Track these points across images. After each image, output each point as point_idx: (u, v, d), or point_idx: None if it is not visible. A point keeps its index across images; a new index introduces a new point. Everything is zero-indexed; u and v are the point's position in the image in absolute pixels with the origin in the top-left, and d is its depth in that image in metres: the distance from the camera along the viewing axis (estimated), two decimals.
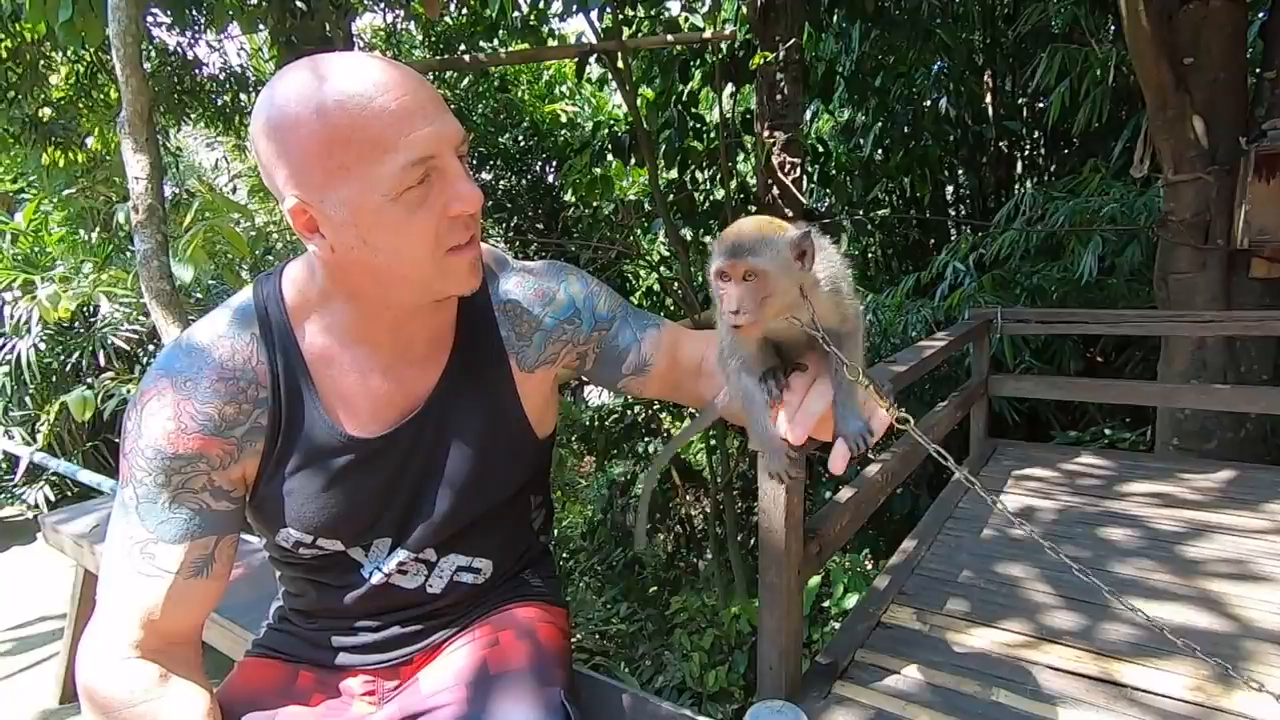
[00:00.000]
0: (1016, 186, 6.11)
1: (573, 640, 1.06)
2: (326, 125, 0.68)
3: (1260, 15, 3.40)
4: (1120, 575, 1.83)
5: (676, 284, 5.34)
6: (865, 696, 1.39)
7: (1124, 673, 1.44)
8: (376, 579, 0.91)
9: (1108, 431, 4.34)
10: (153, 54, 4.73)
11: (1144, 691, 1.38)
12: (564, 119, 6.91)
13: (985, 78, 5.96)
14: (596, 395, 7.03)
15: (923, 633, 1.62)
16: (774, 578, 1.27)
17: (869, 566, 4.44)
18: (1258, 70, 3.12)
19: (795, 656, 1.35)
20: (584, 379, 1.04)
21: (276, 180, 0.73)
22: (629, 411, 6.28)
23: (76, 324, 4.94)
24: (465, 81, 6.60)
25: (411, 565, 0.93)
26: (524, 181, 7.03)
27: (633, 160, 4.98)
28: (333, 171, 0.70)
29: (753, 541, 5.57)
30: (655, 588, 5.77)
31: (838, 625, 3.58)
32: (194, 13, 4.30)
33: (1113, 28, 4.86)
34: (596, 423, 6.27)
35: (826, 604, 3.77)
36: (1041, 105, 5.60)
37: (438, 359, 0.89)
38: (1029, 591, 1.75)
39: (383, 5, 5.32)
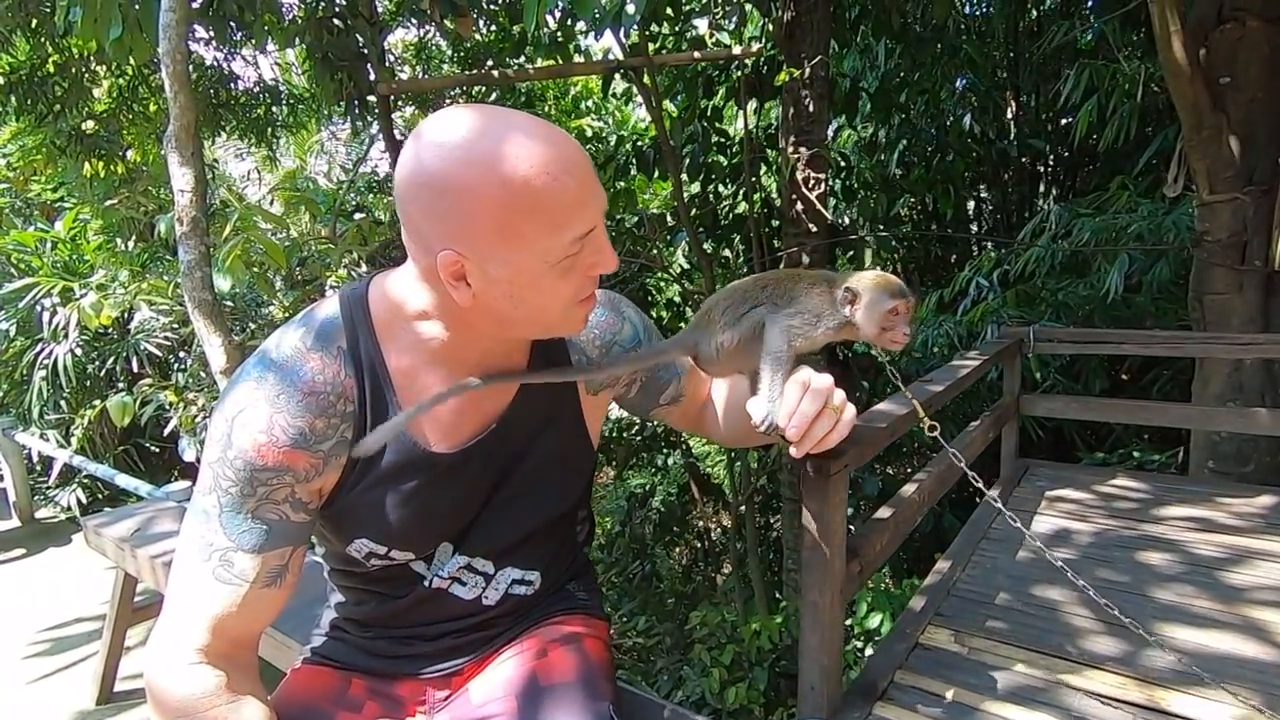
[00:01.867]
0: (1040, 203, 6.08)
1: None
2: (511, 197, 0.70)
3: None
4: (1161, 601, 1.80)
5: (698, 296, 5.35)
6: (906, 718, 1.38)
7: (1170, 701, 1.42)
8: (437, 585, 0.94)
9: (1136, 454, 4.28)
10: (190, 68, 4.84)
11: None
12: (589, 133, 6.99)
13: (1008, 94, 5.95)
14: (616, 408, 7.05)
15: (962, 655, 1.61)
16: (817, 597, 1.27)
17: (891, 585, 4.39)
18: None
19: (836, 677, 1.35)
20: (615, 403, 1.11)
21: (429, 230, 0.73)
22: (649, 424, 6.30)
23: (112, 330, 5.05)
24: (493, 97, 6.69)
25: (470, 577, 0.96)
26: None
27: (656, 174, 5.03)
28: (507, 238, 0.72)
29: (771, 556, 5.54)
30: (673, 601, 5.75)
31: (860, 644, 3.55)
32: (234, 29, 4.41)
33: (1137, 40, 4.83)
34: (617, 434, 6.29)
35: (849, 622, 3.74)
36: (1066, 122, 5.58)
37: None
38: (1069, 615, 1.74)
39: (415, 22, 5.41)
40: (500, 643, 1.01)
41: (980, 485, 1.18)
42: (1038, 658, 1.58)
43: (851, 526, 1.69)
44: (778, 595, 4.79)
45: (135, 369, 4.88)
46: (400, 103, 6.40)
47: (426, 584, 0.94)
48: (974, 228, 6.51)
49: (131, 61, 4.58)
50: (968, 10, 5.84)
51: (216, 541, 0.80)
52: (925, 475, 1.83)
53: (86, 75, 4.50)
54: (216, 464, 0.79)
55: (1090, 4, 5.36)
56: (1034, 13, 5.79)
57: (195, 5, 3.54)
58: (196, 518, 0.81)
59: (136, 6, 2.93)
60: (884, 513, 1.59)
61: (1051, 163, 6.29)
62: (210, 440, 0.81)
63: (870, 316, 0.93)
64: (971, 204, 6.49)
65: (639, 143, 5.05)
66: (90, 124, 4.82)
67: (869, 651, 3.35)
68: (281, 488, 0.80)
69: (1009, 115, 6.00)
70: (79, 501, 4.70)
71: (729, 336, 0.97)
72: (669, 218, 5.96)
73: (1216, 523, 2.23)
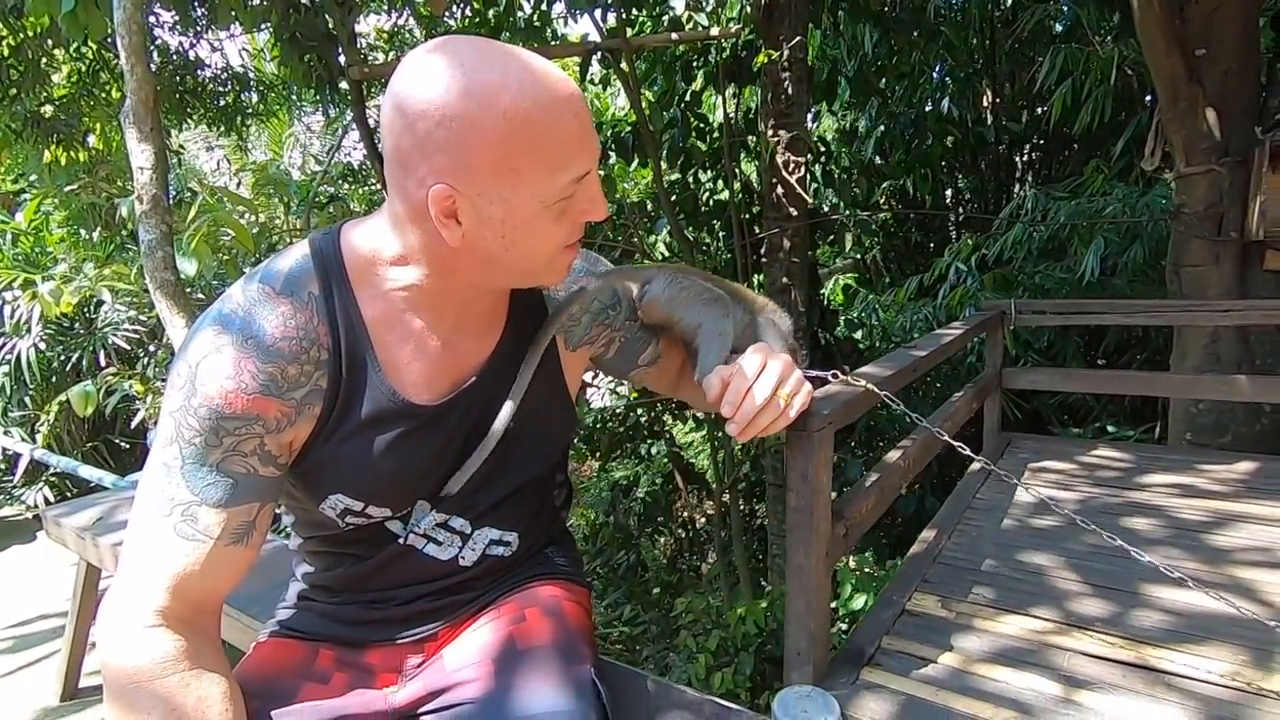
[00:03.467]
0: (1017, 188, 6.13)
1: None
2: (512, 132, 0.67)
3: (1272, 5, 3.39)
4: (1148, 564, 1.79)
5: None
6: (895, 683, 1.36)
7: (1159, 658, 1.41)
8: (414, 540, 0.90)
9: (1110, 429, 4.32)
10: (154, 54, 4.71)
11: (1182, 677, 1.35)
12: None
13: (985, 81, 5.98)
14: (599, 398, 7.00)
15: (949, 620, 1.58)
16: (803, 559, 1.24)
17: (875, 569, 4.40)
18: (1268, 55, 3.12)
19: (824, 642, 1.32)
20: (593, 370, 1.10)
21: (421, 163, 0.69)
22: (632, 414, 6.26)
23: (77, 324, 4.91)
24: None
25: (446, 535, 0.91)
26: None
27: (636, 160, 4.98)
28: (504, 174, 0.69)
29: (756, 544, 5.53)
30: (658, 590, 5.73)
31: (844, 626, 3.55)
32: (197, 10, 4.29)
33: (1111, 24, 4.88)
34: (600, 425, 6.24)
35: (833, 605, 3.72)
36: (1042, 109, 5.63)
37: (492, 332, 0.89)
38: (1056, 579, 1.72)
39: (387, 5, 5.31)
40: (476, 607, 0.97)
41: (965, 450, 1.15)
42: (1026, 621, 1.56)
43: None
44: (763, 582, 4.78)
45: (102, 362, 4.75)
46: (373, 89, 6.29)
47: (401, 542, 0.89)
48: (952, 216, 6.55)
49: (90, 45, 4.45)
50: None
51: (178, 496, 0.73)
52: (910, 442, 1.81)
53: (44, 58, 4.35)
54: (179, 413, 0.73)
55: None
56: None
57: None
58: (156, 471, 0.74)
59: None
60: (869, 478, 1.56)
61: (1028, 149, 6.35)
62: (171, 388, 0.74)
63: None
64: (950, 192, 6.53)
65: (617, 129, 5.00)
66: (49, 109, 4.67)
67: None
68: (250, 438, 0.74)
69: (986, 102, 6.04)
70: (46, 499, 4.56)
71: (688, 281, 1.01)
72: (649, 205, 5.92)
73: (1199, 488, 2.23)
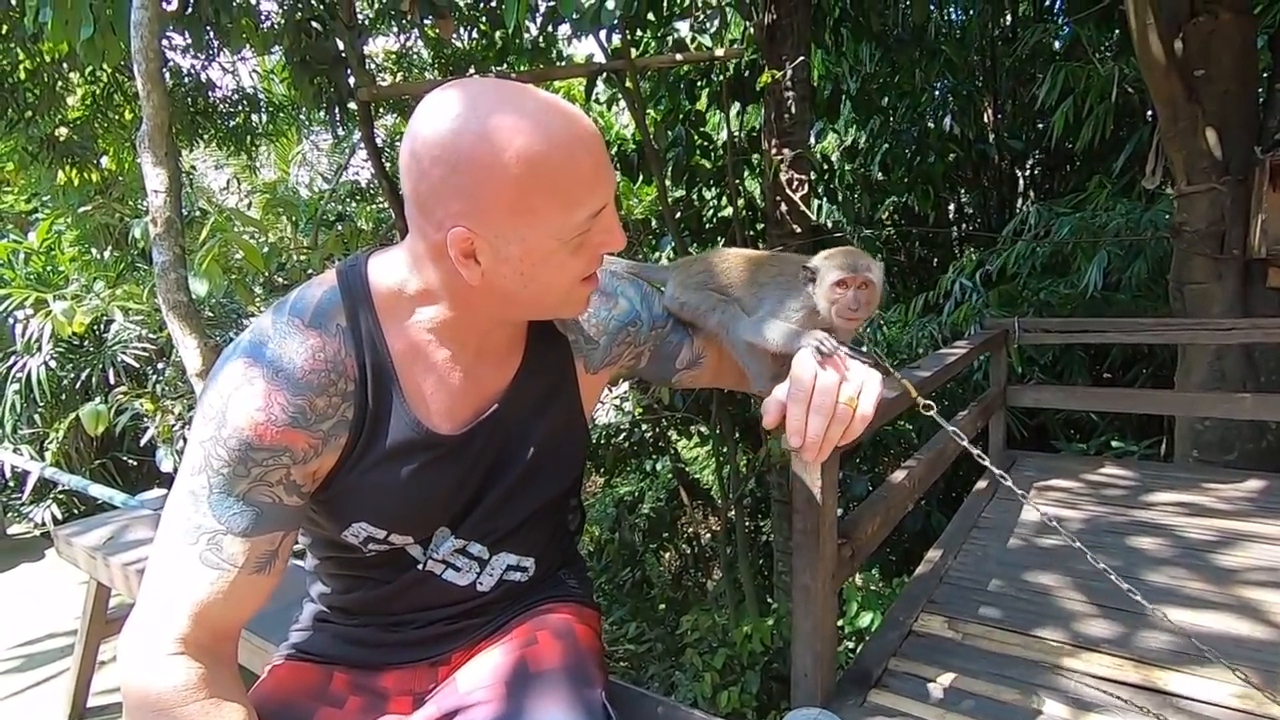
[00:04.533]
0: (1020, 204, 6.16)
1: None
2: (527, 174, 0.68)
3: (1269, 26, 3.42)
4: (1155, 584, 1.80)
5: None
6: (902, 705, 1.36)
7: (1167, 680, 1.40)
8: (433, 566, 0.91)
9: (1116, 443, 4.31)
10: (167, 76, 4.79)
11: (1189, 699, 1.35)
12: None
13: (986, 99, 6.03)
14: (603, 414, 7.01)
15: (956, 641, 1.58)
16: (809, 581, 1.25)
17: (881, 587, 4.38)
18: (1266, 75, 3.15)
19: (829, 663, 1.32)
20: (626, 379, 1.09)
21: (439, 207, 0.71)
22: (637, 429, 6.26)
23: (87, 342, 4.95)
24: None
25: (464, 561, 0.92)
26: None
27: (640, 178, 5.03)
28: (520, 215, 0.70)
29: (761, 561, 5.51)
30: (664, 607, 5.70)
31: (851, 645, 3.52)
32: (210, 33, 4.36)
33: (1111, 42, 4.93)
34: (604, 441, 6.24)
35: (840, 623, 3.71)
36: (1042, 126, 5.68)
37: (511, 361, 0.90)
38: (1062, 600, 1.72)
39: (395, 28, 5.39)
40: (490, 630, 0.97)
41: (982, 459, 1.14)
42: (1032, 641, 1.56)
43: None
44: (769, 599, 4.76)
45: (111, 380, 4.78)
46: (381, 110, 6.37)
47: (420, 568, 0.90)
48: (955, 232, 6.58)
49: (105, 68, 4.53)
50: (946, 15, 5.93)
51: (205, 524, 0.75)
52: (915, 462, 1.81)
53: (59, 82, 4.43)
54: (209, 443, 0.74)
55: (1059, 4, 5.47)
56: (1009, 18, 5.90)
57: (170, 7, 3.49)
58: (183, 499, 0.76)
59: (109, 11, 2.88)
60: (874, 498, 1.57)
61: (1030, 165, 6.38)
62: (202, 417, 0.76)
63: (821, 291, 0.93)
64: (952, 207, 6.56)
65: (622, 147, 5.05)
66: (63, 131, 4.75)
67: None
68: (277, 469, 0.76)
69: (987, 119, 6.09)
70: (54, 517, 4.57)
71: (693, 282, 1.04)
72: (653, 222, 5.96)
73: (1205, 507, 2.23)
